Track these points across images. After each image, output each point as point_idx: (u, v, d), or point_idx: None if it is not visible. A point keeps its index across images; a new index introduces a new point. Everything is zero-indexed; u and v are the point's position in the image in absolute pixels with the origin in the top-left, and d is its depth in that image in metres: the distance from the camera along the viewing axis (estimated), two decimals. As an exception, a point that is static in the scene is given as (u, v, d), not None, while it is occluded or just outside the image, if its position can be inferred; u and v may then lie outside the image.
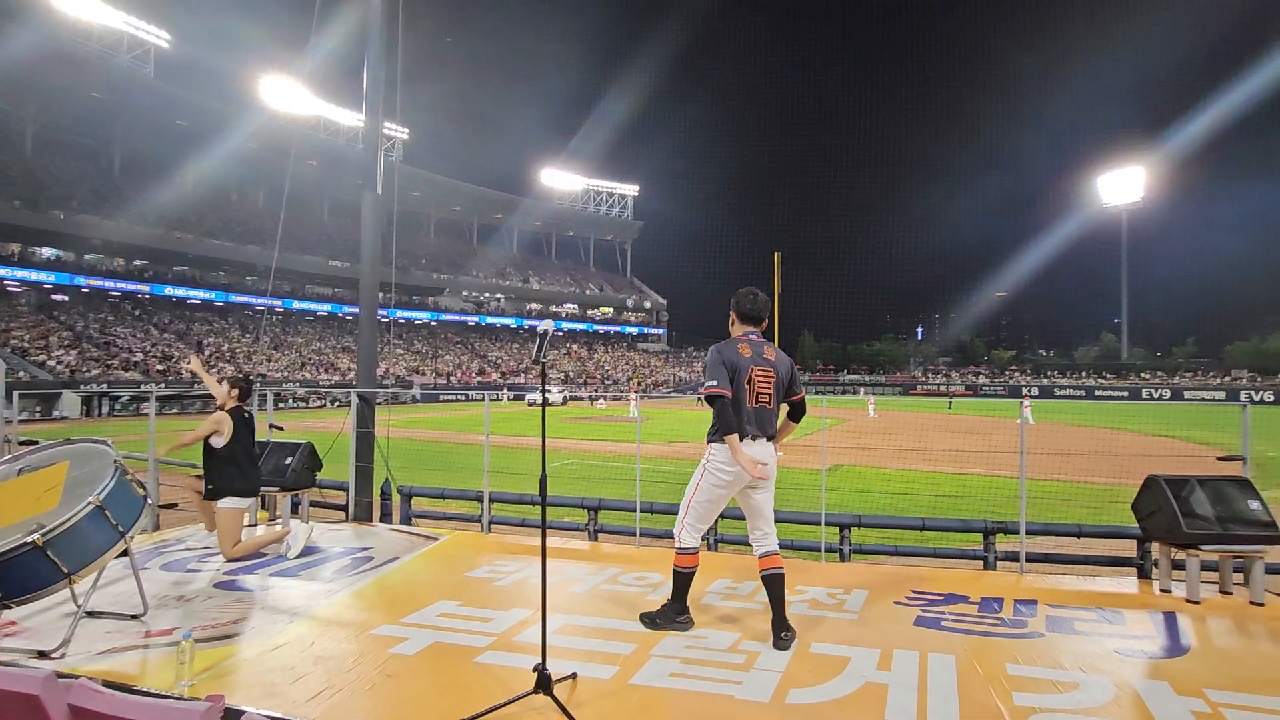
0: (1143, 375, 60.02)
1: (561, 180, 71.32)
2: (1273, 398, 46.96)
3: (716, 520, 5.30)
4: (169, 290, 44.19)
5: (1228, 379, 55.22)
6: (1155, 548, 4.34)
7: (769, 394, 3.35)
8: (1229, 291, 67.78)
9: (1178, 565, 4.15)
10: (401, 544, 5.19)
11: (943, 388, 61.62)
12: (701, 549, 3.60)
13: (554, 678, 2.62)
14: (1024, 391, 55.73)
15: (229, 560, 4.60)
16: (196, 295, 45.57)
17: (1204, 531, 3.94)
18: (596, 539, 5.76)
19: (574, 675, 2.85)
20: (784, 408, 3.55)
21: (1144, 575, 4.66)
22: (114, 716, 1.54)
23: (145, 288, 43.15)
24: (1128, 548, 4.90)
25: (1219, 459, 4.54)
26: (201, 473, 4.81)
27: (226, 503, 4.66)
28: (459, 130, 66.51)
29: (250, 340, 43.91)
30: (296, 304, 51.28)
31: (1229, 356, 60.83)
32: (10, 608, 2.98)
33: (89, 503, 3.00)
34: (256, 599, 3.92)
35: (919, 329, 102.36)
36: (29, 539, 2.80)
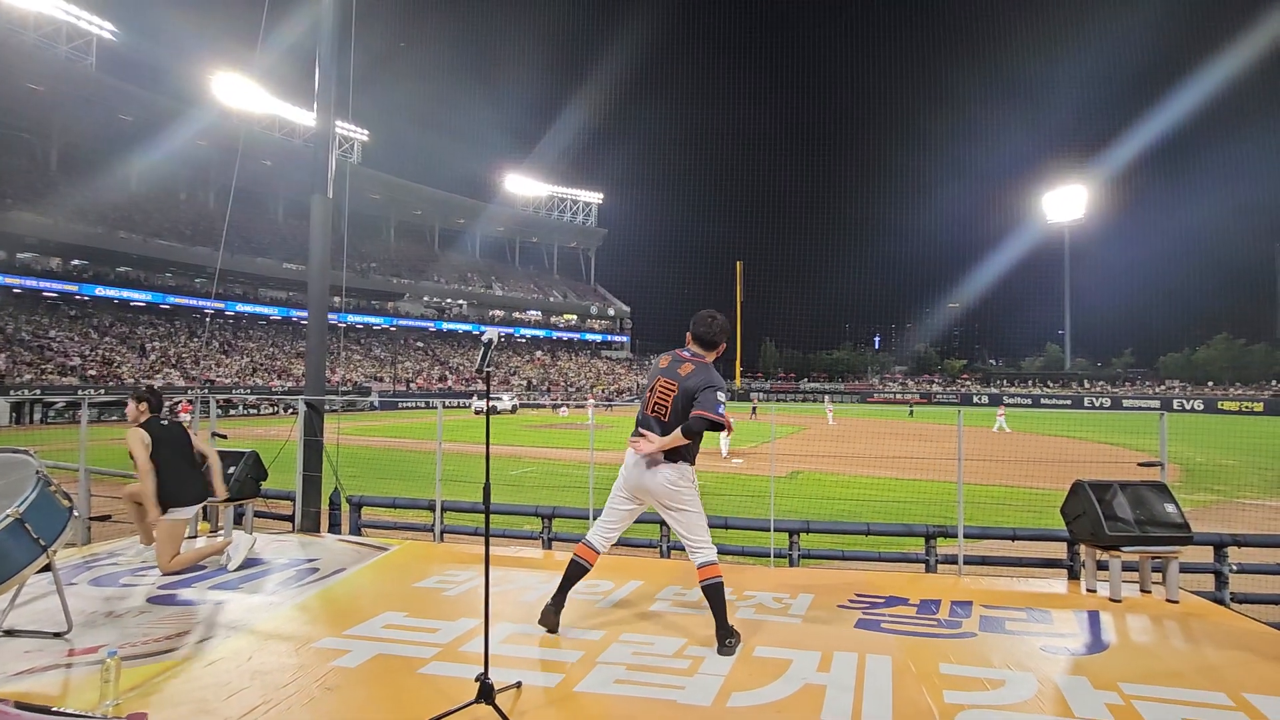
0: (1084, 384, 62.82)
1: (525, 186, 70.96)
2: (1202, 406, 49.76)
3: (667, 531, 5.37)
4: (109, 291, 42.08)
5: (1162, 388, 58.25)
6: (1082, 549, 4.57)
7: (665, 406, 3.34)
8: (1163, 306, 71.81)
9: (1102, 566, 4.38)
10: (349, 555, 5.08)
11: (899, 395, 63.34)
12: (593, 553, 3.57)
13: (497, 687, 2.62)
14: (974, 399, 57.77)
15: (165, 574, 4.43)
16: (140, 297, 43.56)
17: (1124, 534, 4.17)
18: (550, 547, 5.75)
19: (518, 684, 2.85)
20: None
21: (1073, 576, 4.89)
22: (22, 737, 1.49)
23: (81, 288, 40.95)
24: (1059, 550, 5.15)
25: (1140, 465, 4.82)
26: (136, 481, 4.63)
27: (166, 514, 4.49)
28: (421, 133, 65.68)
29: (198, 344, 42.24)
30: (249, 307, 49.52)
31: (1163, 367, 64.27)
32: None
33: (8, 515, 2.87)
34: (193, 614, 3.78)
35: (876, 338, 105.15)
36: (-60, 554, 2.66)
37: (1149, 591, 4.39)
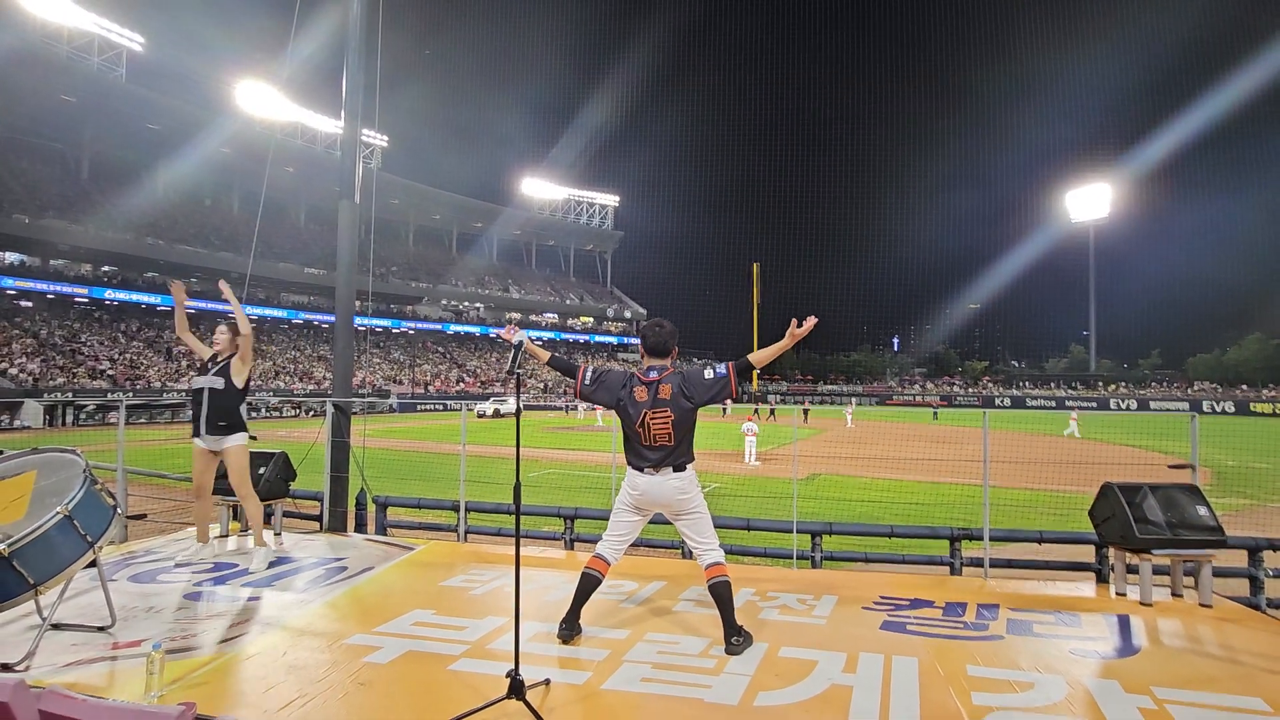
0: (1110, 386, 61.60)
1: (542, 190, 71.42)
2: (1233, 409, 48.56)
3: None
4: (138, 297, 43.05)
5: (1191, 390, 56.92)
6: (1111, 552, 4.51)
7: (667, 433, 3.36)
8: (1191, 305, 70.24)
9: (1132, 569, 4.31)
10: (376, 554, 5.17)
11: (918, 398, 62.65)
12: (606, 563, 3.59)
13: (527, 683, 2.66)
14: (997, 401, 56.87)
15: (254, 502, 4.85)
16: (167, 302, 44.50)
17: (1155, 536, 4.11)
18: (573, 547, 5.79)
19: (547, 681, 2.89)
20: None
21: (1101, 579, 4.83)
22: (85, 722, 1.56)
23: (92, 291, 41.77)
24: (1086, 553, 5.08)
25: (1170, 467, 4.74)
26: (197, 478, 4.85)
27: (239, 439, 4.78)
28: (439, 138, 66.38)
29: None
30: (271, 311, 50.40)
31: (1192, 368, 62.80)
32: (-27, 619, 2.94)
33: (57, 513, 2.98)
34: (228, 610, 3.88)
35: (895, 340, 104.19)
36: (-5, 549, 2.77)
37: (1180, 596, 4.31)
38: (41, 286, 38.85)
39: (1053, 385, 64.95)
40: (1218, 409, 48.77)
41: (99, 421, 30.12)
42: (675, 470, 3.41)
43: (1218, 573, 4.75)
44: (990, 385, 68.07)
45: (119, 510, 3.43)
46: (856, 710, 2.71)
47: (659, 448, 3.38)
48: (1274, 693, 2.88)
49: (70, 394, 30.87)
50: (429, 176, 61.39)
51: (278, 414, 36.04)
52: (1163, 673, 3.12)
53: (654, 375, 3.42)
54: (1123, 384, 62.14)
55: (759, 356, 3.47)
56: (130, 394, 32.14)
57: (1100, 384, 62.63)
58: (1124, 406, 53.32)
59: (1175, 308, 70.97)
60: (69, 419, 29.91)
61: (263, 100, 46.65)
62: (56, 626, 3.36)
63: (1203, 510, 4.21)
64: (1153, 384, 61.36)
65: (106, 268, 43.05)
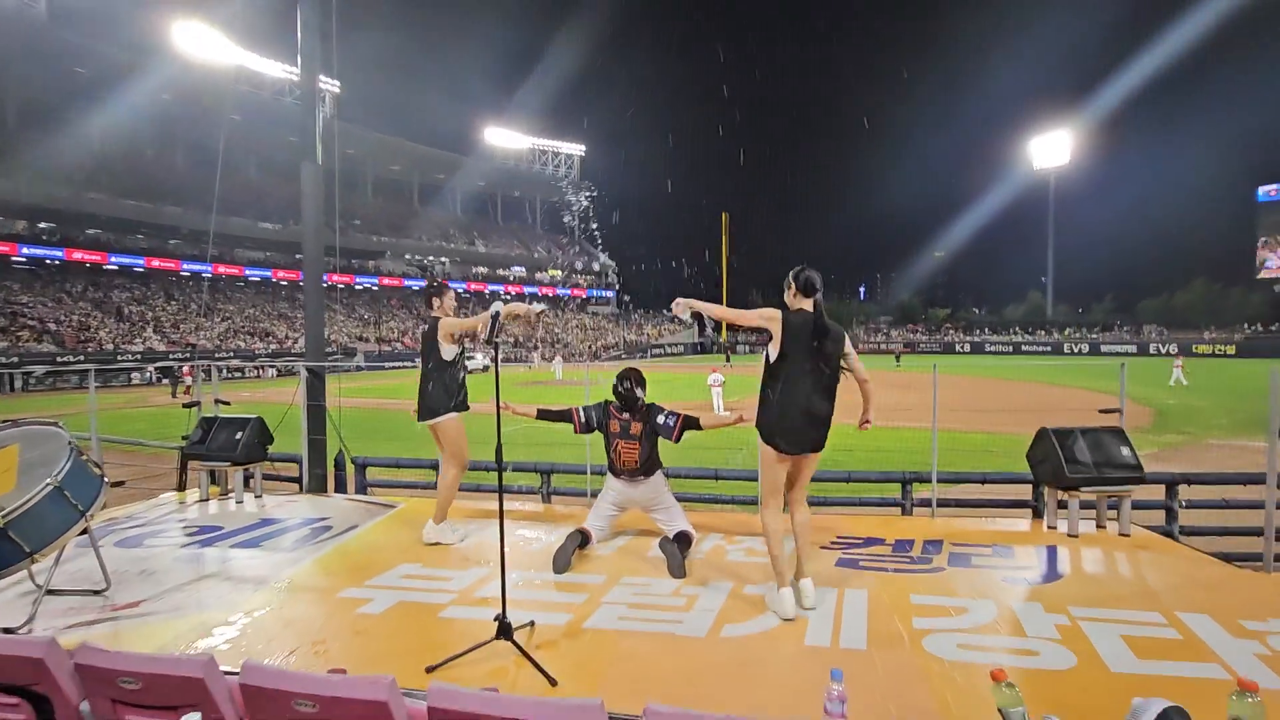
0: (1065, 331, 63.94)
1: (506, 139, 69.17)
2: (1177, 350, 51.06)
3: None
4: (80, 255, 41.03)
5: (1141, 334, 59.47)
6: (1045, 490, 4.93)
7: (634, 459, 4.26)
8: (1144, 251, 72.68)
9: (1063, 505, 4.74)
10: (359, 512, 5.34)
11: (883, 345, 64.17)
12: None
13: (513, 625, 2.90)
14: (957, 348, 58.65)
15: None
16: (115, 261, 42.57)
17: (1083, 475, 4.52)
18: (549, 501, 6.04)
19: (532, 623, 3.14)
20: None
21: (1037, 515, 5.27)
22: (118, 670, 1.72)
23: (52, 253, 39.86)
24: (1025, 491, 5.52)
25: (1100, 411, 5.15)
26: None
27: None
28: (396, 84, 63.33)
29: (176, 308, 41.62)
30: (226, 269, 48.59)
31: (1141, 313, 65.43)
32: (-27, 587, 3.03)
33: (47, 484, 3.05)
34: (219, 570, 4.04)
35: (861, 289, 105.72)
36: (-11, 521, 2.85)
37: (1104, 527, 4.76)
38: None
39: (1011, 331, 67.10)
40: (1163, 351, 51.28)
41: (49, 386, 29.12)
42: (646, 476, 4.27)
43: (1140, 505, 5.24)
44: (952, 332, 69.96)
45: (107, 480, 3.51)
46: (812, 636, 3.03)
47: (629, 467, 4.26)
48: (1169, 607, 3.30)
49: (16, 358, 29.65)
50: (386, 125, 58.90)
51: (240, 375, 35.25)
52: (1079, 595, 3.52)
53: (626, 417, 4.31)
54: (1073, 329, 64.45)
55: (706, 422, 4.31)
56: (82, 357, 31.05)
57: (1057, 329, 64.90)
58: (1076, 350, 55.61)
59: (1129, 254, 73.49)
60: (17, 384, 28.84)
61: (202, 42, 43.70)
62: (52, 592, 3.47)
63: (1125, 451, 4.62)
64: (1103, 329, 63.83)
65: (43, 225, 40.69)
